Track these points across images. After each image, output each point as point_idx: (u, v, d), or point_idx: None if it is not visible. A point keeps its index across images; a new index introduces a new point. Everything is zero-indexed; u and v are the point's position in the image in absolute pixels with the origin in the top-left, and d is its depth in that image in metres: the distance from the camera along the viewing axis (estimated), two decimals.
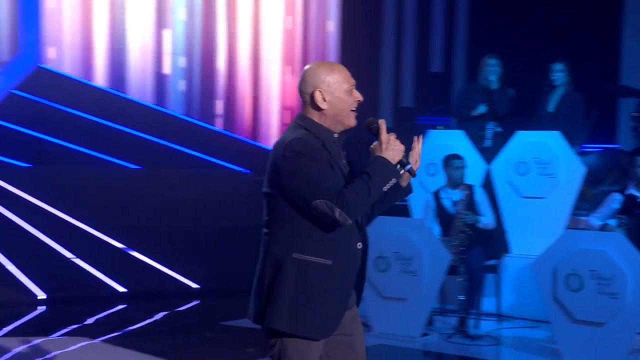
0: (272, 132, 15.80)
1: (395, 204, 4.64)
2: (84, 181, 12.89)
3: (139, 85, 14.70)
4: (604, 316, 7.87)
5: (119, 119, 14.05)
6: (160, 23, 15.06)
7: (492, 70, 11.96)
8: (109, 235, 12.30)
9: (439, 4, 17.90)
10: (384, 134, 4.10)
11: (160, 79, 14.79)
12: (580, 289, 8.09)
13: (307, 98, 4.01)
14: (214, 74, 15.28)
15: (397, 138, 4.13)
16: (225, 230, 12.75)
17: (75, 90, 14.29)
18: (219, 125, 15.24)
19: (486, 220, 9.83)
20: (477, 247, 9.54)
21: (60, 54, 14.48)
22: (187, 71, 15.13)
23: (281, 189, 3.87)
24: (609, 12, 17.11)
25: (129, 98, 14.39)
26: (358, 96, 4.24)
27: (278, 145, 3.95)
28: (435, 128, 13.30)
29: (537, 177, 10.40)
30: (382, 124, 4.15)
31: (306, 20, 16.89)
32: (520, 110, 12.77)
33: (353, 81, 4.31)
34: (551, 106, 11.69)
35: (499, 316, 10.10)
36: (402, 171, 4.15)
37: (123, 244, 12.58)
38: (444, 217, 9.88)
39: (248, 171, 15.07)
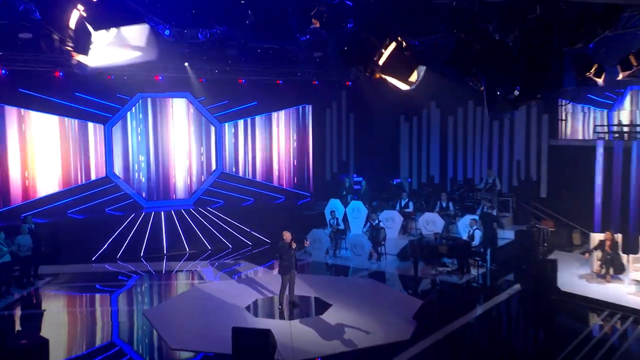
0: None
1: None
2: None
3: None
4: (363, 252, 14.63)
5: None
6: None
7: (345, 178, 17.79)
8: None
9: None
10: (298, 245, 11.00)
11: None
12: (356, 248, 14.83)
13: None
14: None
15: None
16: None
17: (242, 181, 18.89)
18: None
19: (342, 227, 15.64)
20: (340, 233, 15.45)
21: (231, 165, 18.90)
22: None
23: None
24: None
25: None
26: (286, 239, 10.81)
27: None
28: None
29: (357, 212, 16.17)
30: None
31: None
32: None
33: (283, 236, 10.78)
34: (363, 190, 17.66)
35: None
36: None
37: None
38: (332, 226, 15.55)
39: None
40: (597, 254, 13.01)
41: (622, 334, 10.49)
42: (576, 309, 11.67)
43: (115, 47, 5.32)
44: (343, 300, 11.91)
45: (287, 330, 10.10)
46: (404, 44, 6.18)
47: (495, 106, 6.41)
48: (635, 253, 12.89)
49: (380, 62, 6.00)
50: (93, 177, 16.93)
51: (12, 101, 15.63)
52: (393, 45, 6.01)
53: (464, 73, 6.18)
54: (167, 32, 14.84)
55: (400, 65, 6.01)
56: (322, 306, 11.63)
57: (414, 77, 5.94)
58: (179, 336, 10.28)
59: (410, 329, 10.34)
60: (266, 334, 9.09)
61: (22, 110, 15.85)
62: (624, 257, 12.88)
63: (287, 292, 11.48)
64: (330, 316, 11.06)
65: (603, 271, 12.85)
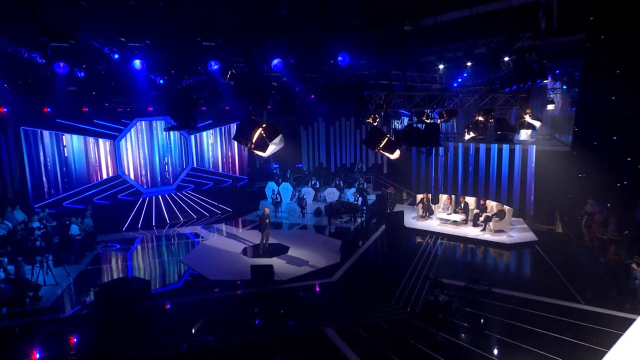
0: None
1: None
2: None
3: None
4: (295, 214, 15.74)
5: None
6: None
7: (276, 168, 18.56)
8: None
9: None
10: (268, 220, 12.09)
11: None
12: (291, 211, 16.15)
13: None
14: None
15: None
16: None
17: (204, 172, 18.20)
18: None
19: (279, 199, 16.45)
20: (278, 204, 16.36)
21: (197, 162, 18.44)
22: None
23: None
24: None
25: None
26: (265, 212, 12.09)
27: None
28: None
29: (286, 189, 17.02)
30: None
31: None
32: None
33: (264, 211, 12.09)
34: (288, 175, 18.26)
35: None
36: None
37: None
38: (273, 199, 16.31)
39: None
40: (420, 205, 16.18)
41: (435, 246, 13.23)
42: (413, 235, 14.11)
43: (272, 145, 7.42)
44: (294, 243, 12.96)
45: (272, 263, 11.09)
46: (392, 138, 8.82)
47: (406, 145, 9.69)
48: (437, 203, 16.35)
49: (381, 145, 8.63)
50: (108, 175, 16.82)
51: (52, 127, 15.57)
52: (386, 138, 8.75)
53: (409, 144, 8.97)
54: (161, 81, 16.18)
55: (390, 147, 8.71)
56: (285, 248, 12.61)
57: (396, 154, 8.91)
58: (212, 272, 11.37)
59: (338, 256, 12.08)
60: (270, 266, 10.91)
61: (58, 133, 15.77)
62: (433, 206, 16.22)
63: (264, 241, 12.62)
64: (293, 253, 12.34)
65: (423, 214, 16.05)
